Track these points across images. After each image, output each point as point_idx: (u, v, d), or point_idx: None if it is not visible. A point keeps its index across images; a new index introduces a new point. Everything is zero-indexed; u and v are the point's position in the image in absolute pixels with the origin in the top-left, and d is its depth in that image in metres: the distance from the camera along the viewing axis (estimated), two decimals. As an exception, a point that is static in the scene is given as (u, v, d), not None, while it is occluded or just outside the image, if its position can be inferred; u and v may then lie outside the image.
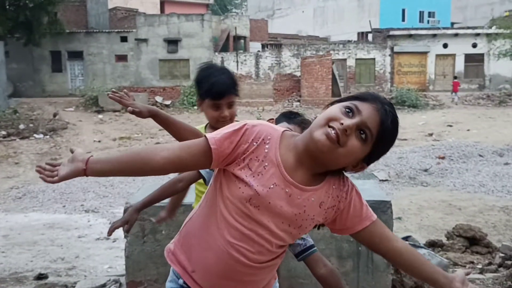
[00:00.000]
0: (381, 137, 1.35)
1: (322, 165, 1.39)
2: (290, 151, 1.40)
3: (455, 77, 29.90)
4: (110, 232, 2.27)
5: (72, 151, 1.43)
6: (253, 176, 1.37)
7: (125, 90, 2.10)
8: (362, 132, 1.33)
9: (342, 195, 1.44)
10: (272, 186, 1.37)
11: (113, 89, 2.02)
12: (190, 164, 1.43)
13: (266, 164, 1.37)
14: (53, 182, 1.40)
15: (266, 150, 1.37)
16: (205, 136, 1.40)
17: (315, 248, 2.20)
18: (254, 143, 1.37)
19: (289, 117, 2.03)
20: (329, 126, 1.33)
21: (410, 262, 1.48)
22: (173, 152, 1.40)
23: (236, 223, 1.40)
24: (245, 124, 1.39)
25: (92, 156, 1.43)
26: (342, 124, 1.32)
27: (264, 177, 1.37)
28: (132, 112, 1.96)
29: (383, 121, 1.34)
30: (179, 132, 1.94)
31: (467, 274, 1.51)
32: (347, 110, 1.35)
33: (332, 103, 1.42)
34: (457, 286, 1.44)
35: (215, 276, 1.46)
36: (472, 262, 4.63)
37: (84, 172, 1.39)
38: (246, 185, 1.37)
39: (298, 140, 1.41)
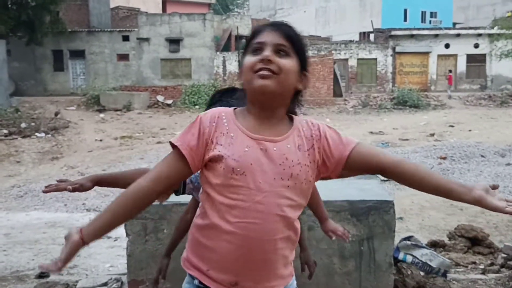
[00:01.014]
0: (294, 42, 1.45)
1: (280, 104, 1.47)
2: (247, 116, 1.48)
3: (449, 71, 31.02)
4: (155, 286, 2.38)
5: (66, 238, 1.46)
6: (226, 148, 1.42)
7: (56, 179, 2.01)
8: (280, 51, 1.43)
9: (315, 133, 1.48)
10: (246, 149, 1.41)
11: (45, 185, 1.94)
12: (173, 175, 1.46)
13: (232, 134, 1.43)
14: (59, 269, 1.42)
15: (225, 124, 1.45)
16: (169, 142, 1.47)
17: None
18: (213, 124, 1.45)
19: (230, 95, 1.99)
20: (255, 71, 1.41)
21: (413, 172, 1.45)
22: (155, 171, 1.47)
23: (233, 201, 1.41)
24: (197, 116, 1.48)
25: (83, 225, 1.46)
26: (262, 60, 1.41)
27: (235, 144, 1.42)
28: (74, 190, 1.90)
29: (285, 32, 1.44)
30: (130, 181, 1.88)
31: (494, 187, 1.39)
32: (255, 51, 1.44)
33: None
34: (479, 194, 1.36)
35: (231, 265, 1.44)
36: (474, 263, 4.62)
37: (82, 241, 1.41)
38: (223, 160, 1.41)
39: (247, 104, 1.49)
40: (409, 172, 1.45)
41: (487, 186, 1.38)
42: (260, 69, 1.40)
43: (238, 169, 1.40)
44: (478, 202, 1.36)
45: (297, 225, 1.51)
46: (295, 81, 1.46)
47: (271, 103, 1.45)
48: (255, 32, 1.47)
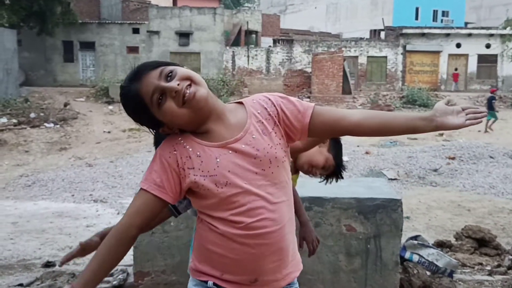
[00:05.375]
0: (167, 63, 1.46)
1: (210, 106, 1.42)
2: (202, 131, 1.44)
3: (455, 69, 31.76)
4: None
5: None
6: (199, 169, 1.39)
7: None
8: (168, 75, 1.39)
9: (272, 110, 1.47)
10: (218, 160, 1.39)
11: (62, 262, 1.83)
12: (151, 210, 1.42)
13: (198, 152, 1.40)
14: None
15: (187, 146, 1.41)
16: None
17: None
18: (174, 152, 1.41)
19: None
20: (183, 103, 1.37)
21: (378, 123, 1.46)
22: (131, 207, 1.43)
23: (230, 210, 1.40)
24: (156, 151, 1.45)
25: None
26: (175, 93, 1.37)
27: (206, 161, 1.39)
28: (84, 247, 1.83)
29: (155, 65, 1.43)
30: None
31: (448, 102, 1.43)
32: (167, 76, 1.40)
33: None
34: (439, 121, 1.39)
35: (248, 265, 1.44)
36: (481, 264, 4.59)
37: None
38: (203, 181, 1.39)
39: (196, 130, 1.45)
40: (373, 128, 1.47)
41: (443, 107, 1.40)
42: (183, 96, 1.36)
43: (220, 181, 1.38)
44: (440, 128, 1.40)
45: (292, 202, 1.52)
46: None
47: (206, 110, 1.41)
48: (136, 96, 1.40)
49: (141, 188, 1.42)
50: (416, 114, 1.47)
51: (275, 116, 1.46)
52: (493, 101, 18.74)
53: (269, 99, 1.48)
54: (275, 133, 1.45)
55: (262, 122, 1.45)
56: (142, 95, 1.38)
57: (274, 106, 1.47)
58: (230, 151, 1.40)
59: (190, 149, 1.41)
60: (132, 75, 1.42)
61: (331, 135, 1.54)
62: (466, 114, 1.39)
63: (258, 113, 1.46)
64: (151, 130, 1.49)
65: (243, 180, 1.39)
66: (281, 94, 1.52)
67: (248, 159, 1.40)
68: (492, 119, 18.14)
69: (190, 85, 1.38)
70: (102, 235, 1.96)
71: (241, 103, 1.50)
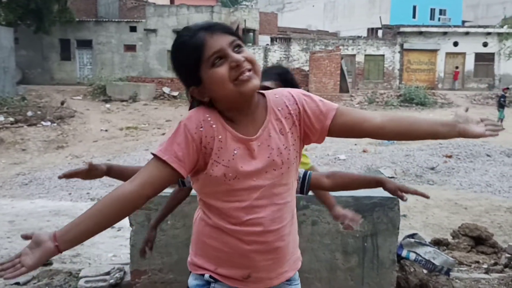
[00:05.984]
0: (235, 33, 1.41)
1: (251, 98, 1.40)
2: (230, 114, 1.41)
3: (456, 67, 32.01)
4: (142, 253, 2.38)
5: (28, 237, 1.29)
6: (216, 154, 1.37)
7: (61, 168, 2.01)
8: (235, 47, 1.37)
9: (293, 108, 1.45)
10: (235, 152, 1.38)
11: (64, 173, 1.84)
12: (163, 181, 1.37)
13: (220, 136, 1.38)
14: (20, 274, 1.24)
15: (214, 126, 1.38)
16: (153, 153, 1.37)
17: (309, 171, 2.16)
18: (201, 128, 1.37)
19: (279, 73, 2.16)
20: (235, 79, 1.34)
21: (399, 128, 1.44)
22: (143, 175, 1.35)
23: (231, 203, 1.40)
24: (180, 122, 1.38)
25: (56, 231, 1.31)
26: (236, 66, 1.33)
27: (225, 148, 1.38)
28: (91, 168, 1.89)
29: (225, 28, 1.39)
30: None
31: (467, 110, 1.44)
32: (217, 60, 1.35)
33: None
34: (462, 127, 1.39)
35: (241, 260, 1.45)
36: (478, 262, 4.60)
37: (57, 249, 1.27)
38: (214, 167, 1.38)
39: (226, 111, 1.41)
40: (395, 132, 1.45)
41: (465, 115, 1.41)
42: (240, 74, 1.34)
43: (230, 174, 1.38)
44: (462, 135, 1.40)
45: (294, 203, 1.51)
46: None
47: (247, 99, 1.40)
48: (200, 44, 1.34)
49: (158, 158, 1.35)
50: (437, 119, 1.46)
51: (296, 116, 1.44)
52: (502, 99, 19.37)
53: (292, 96, 1.46)
54: (292, 133, 1.44)
55: (281, 121, 1.43)
56: (204, 47, 1.33)
57: (296, 104, 1.45)
58: (247, 147, 1.40)
59: (216, 131, 1.38)
60: (207, 26, 1.37)
61: (350, 136, 1.50)
62: (485, 125, 1.40)
63: (279, 110, 1.44)
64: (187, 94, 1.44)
65: (251, 178, 1.39)
66: (304, 92, 1.49)
67: (262, 158, 1.40)
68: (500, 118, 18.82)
69: (250, 70, 1.36)
70: (109, 167, 2.01)
71: (263, 95, 1.47)
